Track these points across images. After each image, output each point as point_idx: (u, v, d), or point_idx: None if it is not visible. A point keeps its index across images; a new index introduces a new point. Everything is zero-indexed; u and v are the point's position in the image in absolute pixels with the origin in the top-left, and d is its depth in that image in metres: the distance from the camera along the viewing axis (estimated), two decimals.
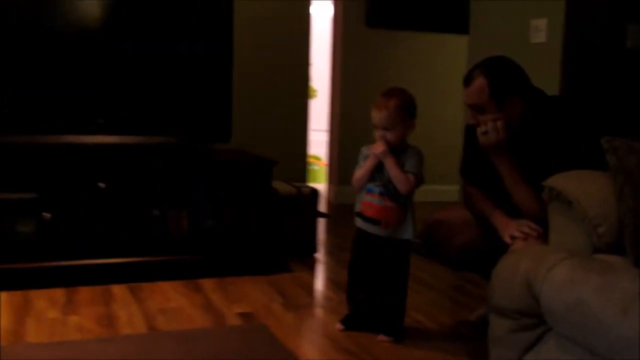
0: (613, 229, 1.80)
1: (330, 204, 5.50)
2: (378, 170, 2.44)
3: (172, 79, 3.42)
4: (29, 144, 3.21)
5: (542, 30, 3.58)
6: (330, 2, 5.71)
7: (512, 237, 2.18)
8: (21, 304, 2.75)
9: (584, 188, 1.88)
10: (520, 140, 2.29)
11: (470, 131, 2.40)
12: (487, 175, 2.36)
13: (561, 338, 1.68)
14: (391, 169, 2.39)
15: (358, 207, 2.51)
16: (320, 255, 3.79)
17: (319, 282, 3.34)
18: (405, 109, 2.42)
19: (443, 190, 4.87)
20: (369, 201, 2.46)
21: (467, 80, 2.29)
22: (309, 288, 3.21)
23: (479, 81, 2.24)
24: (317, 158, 6.94)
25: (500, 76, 2.24)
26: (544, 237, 2.08)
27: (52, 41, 3.21)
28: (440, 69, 5.62)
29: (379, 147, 2.41)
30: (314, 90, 7.15)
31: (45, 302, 2.80)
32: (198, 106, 3.48)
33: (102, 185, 3.06)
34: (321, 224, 4.45)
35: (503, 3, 3.85)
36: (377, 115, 2.41)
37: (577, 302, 1.56)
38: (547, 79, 3.47)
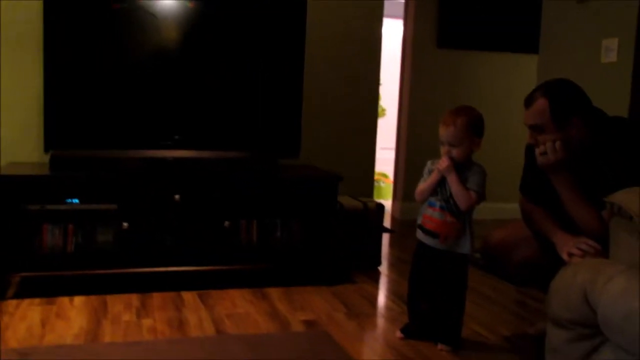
0: None
1: (394, 219, 5.51)
2: (441, 185, 2.46)
3: (244, 98, 3.53)
4: (111, 158, 3.35)
5: (613, 50, 3.53)
6: (400, 22, 5.75)
7: (570, 255, 2.18)
8: (99, 307, 2.88)
9: None
10: (580, 160, 2.28)
11: (530, 150, 2.40)
12: (546, 194, 2.36)
13: (617, 349, 1.68)
14: (454, 185, 2.41)
15: (419, 220, 2.54)
16: (383, 268, 3.82)
17: (381, 293, 3.36)
18: (473, 126, 2.42)
19: (503, 208, 4.83)
20: (429, 214, 2.49)
21: (528, 102, 2.30)
22: (372, 299, 3.23)
23: (540, 102, 2.25)
24: (384, 175, 6.96)
25: (560, 97, 2.24)
26: (602, 254, 2.08)
27: (133, 63, 3.37)
28: (509, 88, 5.57)
29: (443, 163, 2.43)
30: (383, 109, 7.20)
31: (121, 306, 2.91)
32: (269, 123, 3.58)
33: (177, 197, 3.16)
34: (385, 238, 4.48)
35: (574, 23, 3.81)
36: (444, 132, 2.42)
37: (634, 312, 1.56)
38: (617, 98, 3.43)
